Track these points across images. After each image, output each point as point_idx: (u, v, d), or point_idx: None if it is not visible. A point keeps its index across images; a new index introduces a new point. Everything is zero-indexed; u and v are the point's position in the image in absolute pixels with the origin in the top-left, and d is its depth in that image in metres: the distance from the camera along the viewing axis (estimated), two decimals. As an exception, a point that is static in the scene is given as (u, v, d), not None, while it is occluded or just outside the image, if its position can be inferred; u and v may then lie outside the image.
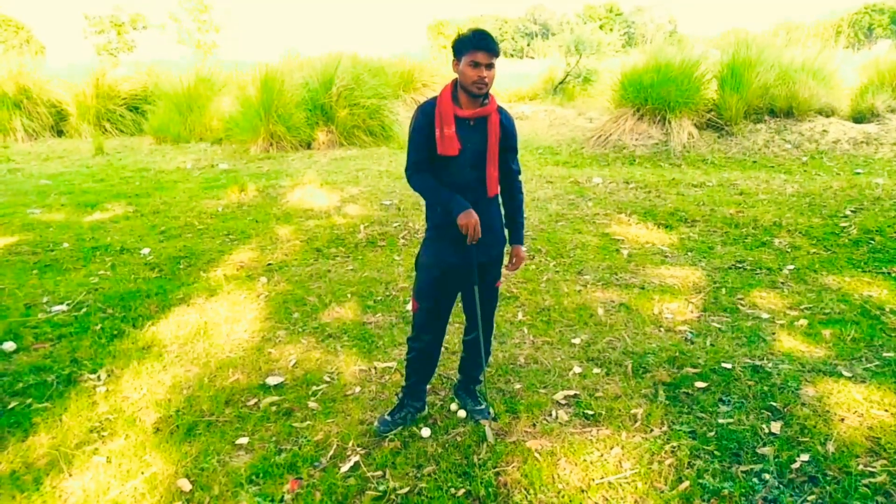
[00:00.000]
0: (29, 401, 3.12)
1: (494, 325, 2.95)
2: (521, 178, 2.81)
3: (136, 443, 2.78)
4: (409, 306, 2.75)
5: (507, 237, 2.82)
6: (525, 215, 2.87)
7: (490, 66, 2.41)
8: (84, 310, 4.24)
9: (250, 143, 10.64)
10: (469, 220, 2.48)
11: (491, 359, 3.38)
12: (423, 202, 2.76)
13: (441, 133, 2.50)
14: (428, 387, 3.03)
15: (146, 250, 5.53)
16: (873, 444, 2.60)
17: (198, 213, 6.74)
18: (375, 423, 2.87)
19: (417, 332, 2.80)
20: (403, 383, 2.95)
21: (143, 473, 2.57)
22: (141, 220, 6.56)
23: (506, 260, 2.86)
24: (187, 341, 3.79)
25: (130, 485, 2.50)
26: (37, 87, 13.62)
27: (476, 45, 2.39)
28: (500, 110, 2.61)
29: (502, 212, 2.80)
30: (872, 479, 2.38)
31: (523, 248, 2.81)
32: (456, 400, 3.05)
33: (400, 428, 2.85)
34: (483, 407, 2.95)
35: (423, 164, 2.59)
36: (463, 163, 2.55)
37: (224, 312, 4.19)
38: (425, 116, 2.54)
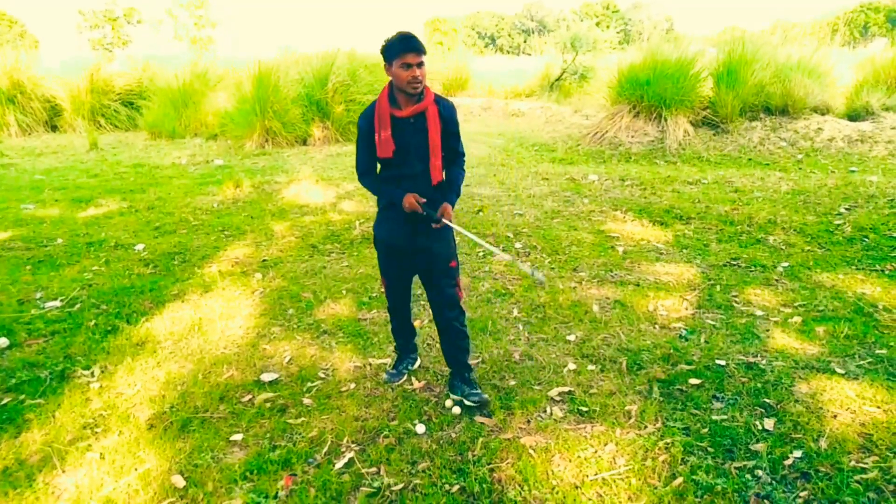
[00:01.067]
0: (22, 397, 3.11)
1: (463, 308, 3.00)
2: (464, 157, 2.97)
3: (129, 439, 2.77)
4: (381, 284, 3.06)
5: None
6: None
7: (420, 65, 2.58)
8: (77, 306, 4.22)
9: (245, 138, 10.61)
10: (408, 201, 2.71)
11: (473, 344, 3.42)
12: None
13: (379, 137, 2.70)
14: (416, 366, 3.38)
15: (140, 246, 5.51)
16: (865, 441, 2.61)
17: (192, 208, 6.73)
18: (384, 377, 3.25)
19: (389, 304, 3.20)
20: (395, 342, 3.35)
21: (136, 470, 2.57)
22: (135, 216, 6.54)
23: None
24: (181, 337, 3.78)
25: (124, 481, 2.50)
26: (31, 82, 13.54)
27: (405, 48, 2.56)
28: (437, 101, 2.76)
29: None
30: (864, 476, 2.39)
31: (450, 207, 2.79)
32: (451, 395, 3.01)
33: (404, 378, 3.24)
34: (479, 390, 2.97)
35: (370, 166, 2.85)
36: (407, 158, 2.72)
37: (218, 308, 4.18)
38: (366, 122, 2.75)
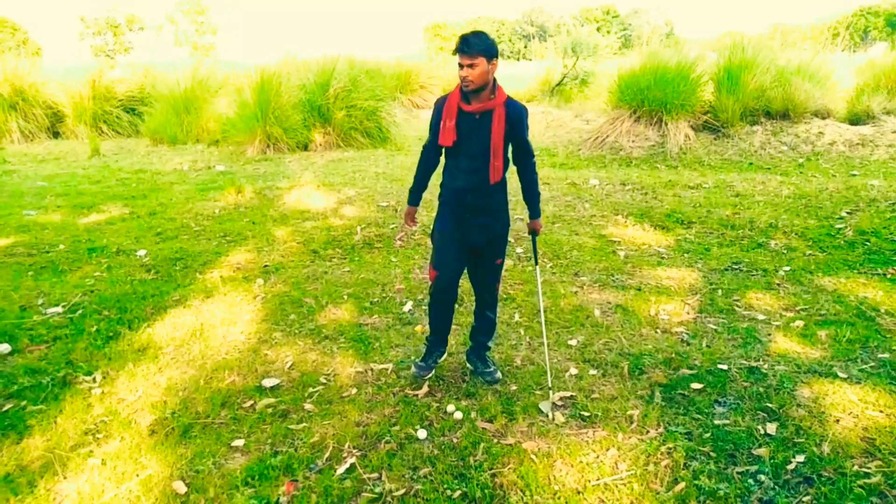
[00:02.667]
0: (24, 403, 3.11)
1: (498, 300, 3.35)
2: (533, 159, 3.08)
3: (131, 445, 2.77)
4: (427, 275, 3.28)
5: (528, 212, 3.20)
6: (539, 193, 3.21)
7: (471, 66, 2.69)
8: (79, 311, 4.22)
9: (247, 144, 10.63)
10: (407, 215, 3.26)
11: (497, 330, 3.52)
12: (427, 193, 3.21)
13: (444, 125, 2.86)
14: (443, 359, 3.41)
15: (142, 252, 5.51)
16: (868, 445, 2.60)
17: (194, 214, 6.74)
18: (413, 370, 3.27)
19: (435, 296, 3.16)
20: (429, 336, 3.31)
21: (138, 476, 2.56)
22: (137, 222, 6.55)
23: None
24: (183, 343, 3.78)
25: (125, 487, 2.49)
26: (33, 89, 13.57)
27: (457, 49, 2.71)
28: (507, 104, 2.84)
29: (510, 192, 3.10)
30: (867, 480, 2.39)
31: (539, 221, 3.21)
32: (467, 363, 3.40)
33: (433, 372, 3.29)
34: (492, 369, 3.30)
35: (434, 145, 3.00)
36: (467, 152, 2.87)
37: (220, 314, 4.18)
38: (437, 109, 2.95)
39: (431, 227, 3.19)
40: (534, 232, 3.24)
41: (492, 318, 3.29)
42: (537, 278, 3.33)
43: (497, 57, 2.75)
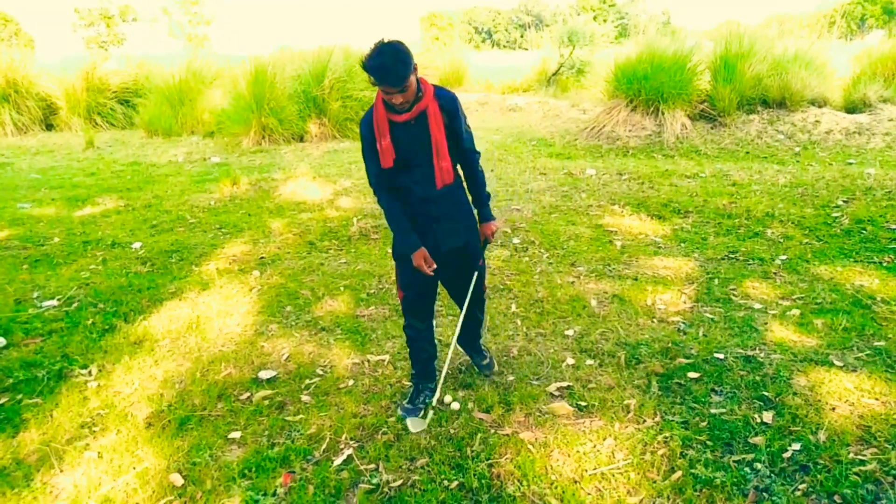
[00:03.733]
0: (19, 396, 3.10)
1: (486, 301, 3.21)
2: (477, 154, 2.81)
3: (127, 438, 2.77)
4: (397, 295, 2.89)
5: (476, 216, 2.92)
6: (491, 192, 2.92)
7: (402, 90, 2.35)
8: (75, 305, 4.21)
9: (242, 136, 10.57)
10: (419, 261, 2.64)
11: (487, 326, 3.49)
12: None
13: (380, 145, 2.51)
14: (434, 400, 2.99)
15: (137, 244, 5.49)
16: (864, 433, 2.61)
17: (190, 206, 6.71)
18: (399, 411, 2.90)
19: (408, 318, 2.91)
20: (412, 370, 3.02)
21: (134, 468, 2.56)
22: (132, 215, 6.52)
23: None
24: (179, 335, 3.77)
25: (122, 480, 2.49)
26: (25, 81, 13.46)
27: (379, 83, 2.35)
28: (437, 95, 2.56)
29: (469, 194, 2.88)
30: (863, 468, 2.39)
31: (493, 223, 2.93)
32: (464, 352, 3.31)
33: (420, 414, 2.88)
34: (488, 360, 3.25)
35: (385, 175, 2.61)
36: (416, 162, 2.57)
37: (216, 306, 4.17)
38: (367, 128, 2.55)
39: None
40: (486, 240, 2.93)
41: (480, 317, 3.15)
42: (470, 291, 2.89)
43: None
